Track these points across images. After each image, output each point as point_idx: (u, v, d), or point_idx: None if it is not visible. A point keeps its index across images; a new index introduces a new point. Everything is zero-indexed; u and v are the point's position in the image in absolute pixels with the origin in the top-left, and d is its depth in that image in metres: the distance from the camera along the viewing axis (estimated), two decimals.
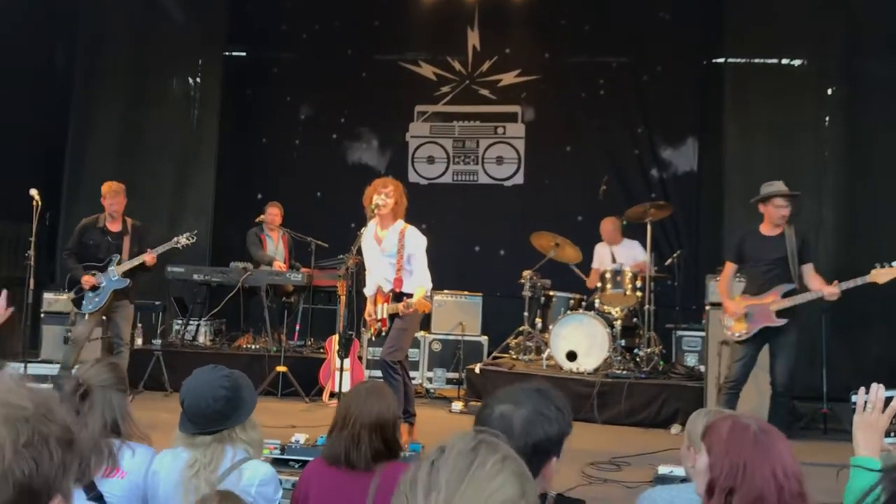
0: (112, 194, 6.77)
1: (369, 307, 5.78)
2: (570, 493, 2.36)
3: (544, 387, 2.12)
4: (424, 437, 5.41)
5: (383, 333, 5.68)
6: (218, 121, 9.88)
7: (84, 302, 6.71)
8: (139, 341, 8.24)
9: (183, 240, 6.92)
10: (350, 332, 6.11)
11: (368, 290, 5.83)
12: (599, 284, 7.79)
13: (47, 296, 8.02)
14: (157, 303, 8.67)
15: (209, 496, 2.35)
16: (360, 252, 5.83)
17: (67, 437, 1.03)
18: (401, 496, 1.23)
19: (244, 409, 2.76)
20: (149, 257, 6.73)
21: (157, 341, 8.17)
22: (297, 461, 4.75)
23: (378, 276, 5.73)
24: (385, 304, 5.64)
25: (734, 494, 1.87)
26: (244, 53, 11.01)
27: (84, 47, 9.98)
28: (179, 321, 8.46)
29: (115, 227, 6.85)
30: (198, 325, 8.37)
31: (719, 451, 1.95)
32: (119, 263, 6.74)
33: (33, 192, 6.37)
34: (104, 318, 6.90)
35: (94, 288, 6.70)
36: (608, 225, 8.40)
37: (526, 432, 1.97)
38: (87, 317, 6.76)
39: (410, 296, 5.51)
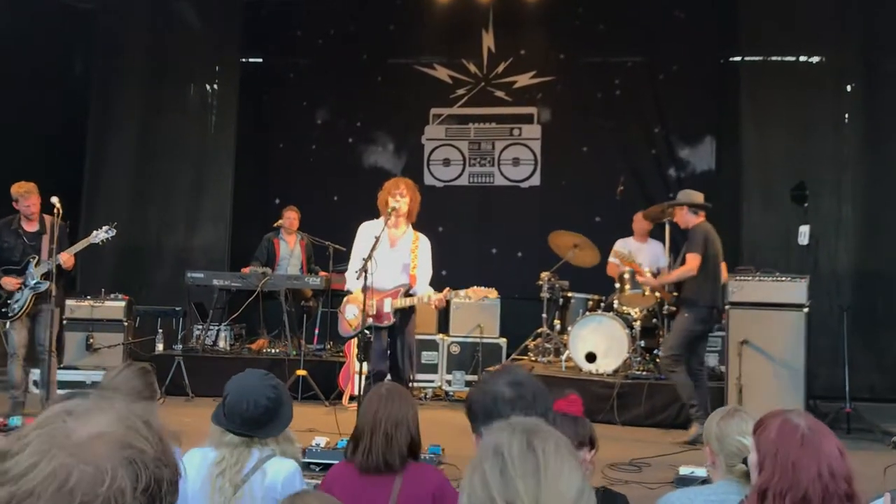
0: (24, 195, 6.36)
1: (360, 298, 5.54)
2: None
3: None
4: (444, 440, 5.40)
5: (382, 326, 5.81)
6: (235, 126, 9.94)
7: (6, 309, 6.34)
8: (160, 347, 8.30)
9: (101, 234, 6.38)
10: (369, 336, 6.10)
11: (353, 285, 5.74)
12: (618, 285, 7.75)
13: (69, 302, 8.08)
14: (178, 308, 8.77)
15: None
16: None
17: (176, 478, 1.03)
18: None
19: (277, 425, 2.78)
20: (64, 257, 6.26)
21: (178, 346, 8.26)
22: (318, 464, 4.77)
23: (381, 273, 5.53)
24: (390, 299, 5.73)
25: (785, 495, 1.85)
26: (260, 59, 11.08)
27: (101, 55, 10.08)
28: (199, 326, 8.51)
29: (31, 227, 6.48)
30: (218, 330, 8.41)
31: (767, 451, 1.93)
32: (38, 265, 6.37)
33: (54, 199, 6.35)
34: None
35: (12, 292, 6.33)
36: (642, 224, 8.27)
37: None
38: (9, 324, 6.35)
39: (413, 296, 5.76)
